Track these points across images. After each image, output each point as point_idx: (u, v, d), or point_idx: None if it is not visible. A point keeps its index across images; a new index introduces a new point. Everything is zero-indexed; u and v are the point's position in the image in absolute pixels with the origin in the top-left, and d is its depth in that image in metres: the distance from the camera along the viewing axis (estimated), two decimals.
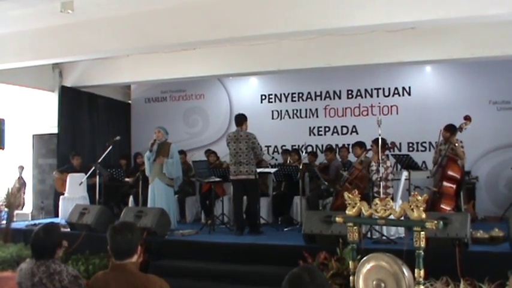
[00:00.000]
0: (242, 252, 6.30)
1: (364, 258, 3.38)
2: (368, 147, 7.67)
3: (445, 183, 7.06)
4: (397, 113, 9.89)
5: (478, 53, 7.62)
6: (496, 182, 9.15)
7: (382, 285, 3.23)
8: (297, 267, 2.33)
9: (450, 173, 7.09)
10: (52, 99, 10.27)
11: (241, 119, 7.62)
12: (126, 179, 9.50)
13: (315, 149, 10.28)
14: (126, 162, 10.71)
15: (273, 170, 8.65)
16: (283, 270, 2.43)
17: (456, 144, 7.20)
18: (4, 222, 7.75)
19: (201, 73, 9.44)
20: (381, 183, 6.60)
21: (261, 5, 6.55)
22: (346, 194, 3.70)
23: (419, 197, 3.27)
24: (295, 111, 10.65)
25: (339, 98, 10.38)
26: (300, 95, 10.61)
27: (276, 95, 10.82)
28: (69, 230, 7.54)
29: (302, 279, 2.22)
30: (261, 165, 8.48)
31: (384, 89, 10.05)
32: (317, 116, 10.48)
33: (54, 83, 10.29)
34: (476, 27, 7.28)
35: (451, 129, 7.43)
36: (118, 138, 8.94)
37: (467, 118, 7.23)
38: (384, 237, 6.30)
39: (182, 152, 9.74)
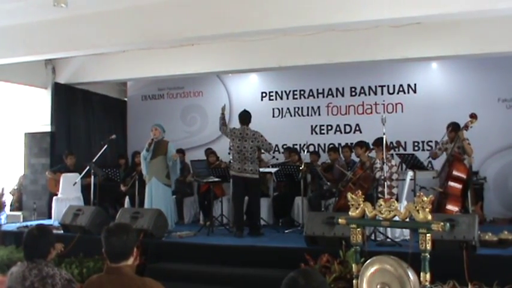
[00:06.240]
0: (242, 255, 6.21)
1: (368, 261, 3.30)
2: (371, 147, 7.55)
3: (451, 183, 6.97)
4: (402, 111, 9.78)
5: (487, 48, 7.51)
6: (505, 183, 9.00)
7: None
8: (294, 271, 2.35)
9: (456, 172, 6.99)
10: (44, 97, 10.16)
11: (248, 117, 7.57)
12: (122, 188, 9.27)
13: (317, 148, 10.19)
14: (125, 162, 10.58)
15: (273, 170, 8.55)
16: (284, 273, 2.39)
17: (465, 140, 7.12)
18: None
19: (199, 70, 9.34)
20: (385, 183, 6.54)
21: None
22: (349, 195, 3.60)
23: (425, 198, 3.19)
24: (296, 109, 10.56)
25: (342, 95, 10.28)
26: (302, 92, 10.53)
27: (276, 92, 10.75)
28: (62, 232, 7.42)
29: (297, 282, 2.25)
30: (261, 165, 8.37)
31: (388, 86, 9.94)
32: (319, 114, 10.39)
33: (47, 79, 10.18)
34: (485, 22, 7.14)
35: (454, 128, 7.35)
36: (114, 137, 8.84)
37: (473, 116, 7.12)
38: (389, 240, 6.20)
39: (181, 151, 9.60)
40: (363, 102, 10.05)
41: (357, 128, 10.07)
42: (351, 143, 8.95)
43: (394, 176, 6.85)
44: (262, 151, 8.37)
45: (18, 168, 10.74)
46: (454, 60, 8.97)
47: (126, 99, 12.05)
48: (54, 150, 9.95)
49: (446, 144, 7.54)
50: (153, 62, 9.30)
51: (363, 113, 10.05)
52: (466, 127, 7.12)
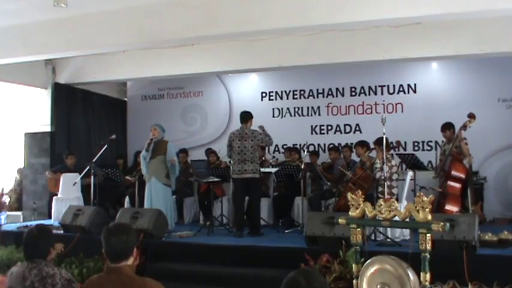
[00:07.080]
0: (242, 255, 6.19)
1: (368, 261, 3.30)
2: (371, 146, 7.52)
3: (450, 183, 7.00)
4: (402, 111, 9.76)
5: (486, 48, 7.50)
6: (505, 183, 8.98)
7: None
8: (294, 271, 2.33)
9: (454, 172, 7.01)
10: (44, 97, 10.16)
11: (246, 116, 7.58)
12: (127, 177, 9.28)
13: (317, 148, 10.19)
14: (123, 162, 10.57)
15: (274, 170, 8.54)
16: (284, 273, 2.38)
17: (462, 140, 7.11)
18: None
19: (199, 70, 9.33)
20: (385, 183, 6.52)
21: None
22: (349, 195, 3.60)
23: (425, 198, 3.18)
24: (296, 109, 10.56)
25: (342, 95, 10.27)
26: (302, 92, 10.52)
27: (276, 92, 10.74)
28: (62, 232, 7.42)
29: (298, 283, 2.23)
30: (264, 165, 8.38)
31: (388, 86, 9.92)
32: (319, 114, 10.39)
33: (46, 79, 10.18)
34: (485, 22, 7.13)
35: (448, 127, 7.37)
36: (114, 137, 8.81)
37: (472, 116, 7.10)
38: (389, 240, 6.19)
39: (184, 152, 9.59)
40: (363, 102, 10.04)
41: (357, 128, 10.06)
42: (351, 143, 8.95)
43: (394, 176, 6.83)
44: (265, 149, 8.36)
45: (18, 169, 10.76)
46: (454, 60, 8.96)
47: (126, 99, 12.04)
48: (54, 150, 9.94)
49: (444, 146, 7.55)
50: (153, 62, 9.28)
51: (363, 113, 10.04)
52: (465, 127, 7.09)
